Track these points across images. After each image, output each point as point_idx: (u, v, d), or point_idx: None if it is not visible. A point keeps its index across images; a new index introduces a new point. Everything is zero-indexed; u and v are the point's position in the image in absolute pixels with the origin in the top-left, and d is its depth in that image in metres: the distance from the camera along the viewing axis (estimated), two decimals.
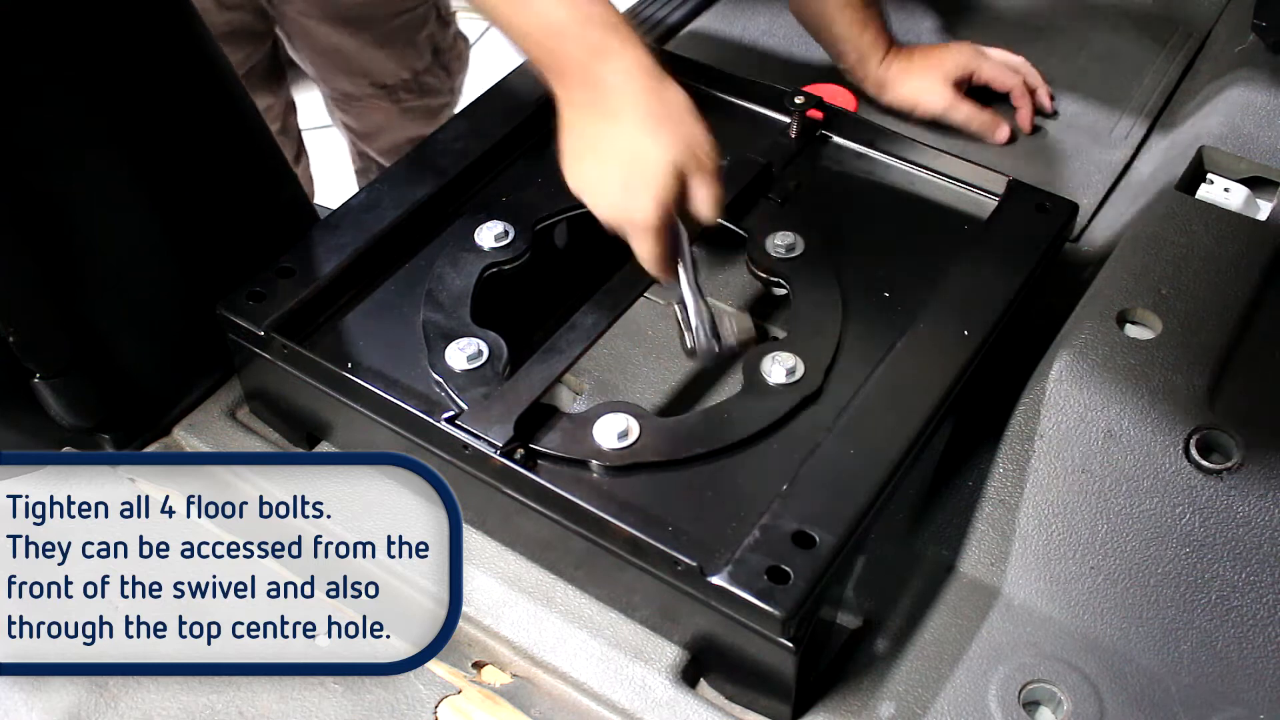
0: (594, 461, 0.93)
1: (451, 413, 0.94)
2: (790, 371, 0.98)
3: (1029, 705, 0.93)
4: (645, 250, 0.93)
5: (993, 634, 0.97)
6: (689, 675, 0.93)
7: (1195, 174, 1.27)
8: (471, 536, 1.00)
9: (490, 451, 0.91)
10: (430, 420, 0.93)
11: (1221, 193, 1.25)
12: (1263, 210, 1.24)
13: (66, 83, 0.94)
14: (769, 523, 0.87)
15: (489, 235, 1.09)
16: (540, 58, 0.95)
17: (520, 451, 0.92)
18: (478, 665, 0.95)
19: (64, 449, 1.06)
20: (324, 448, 1.08)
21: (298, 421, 1.08)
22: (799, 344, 1.00)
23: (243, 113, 1.11)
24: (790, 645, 0.84)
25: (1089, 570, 0.98)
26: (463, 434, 0.92)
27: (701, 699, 0.91)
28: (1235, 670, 0.93)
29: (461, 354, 0.98)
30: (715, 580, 0.84)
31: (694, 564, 0.84)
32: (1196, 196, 1.21)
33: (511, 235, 1.09)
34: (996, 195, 1.14)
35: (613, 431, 0.93)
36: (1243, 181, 1.26)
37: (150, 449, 1.08)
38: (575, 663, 0.93)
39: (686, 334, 0.97)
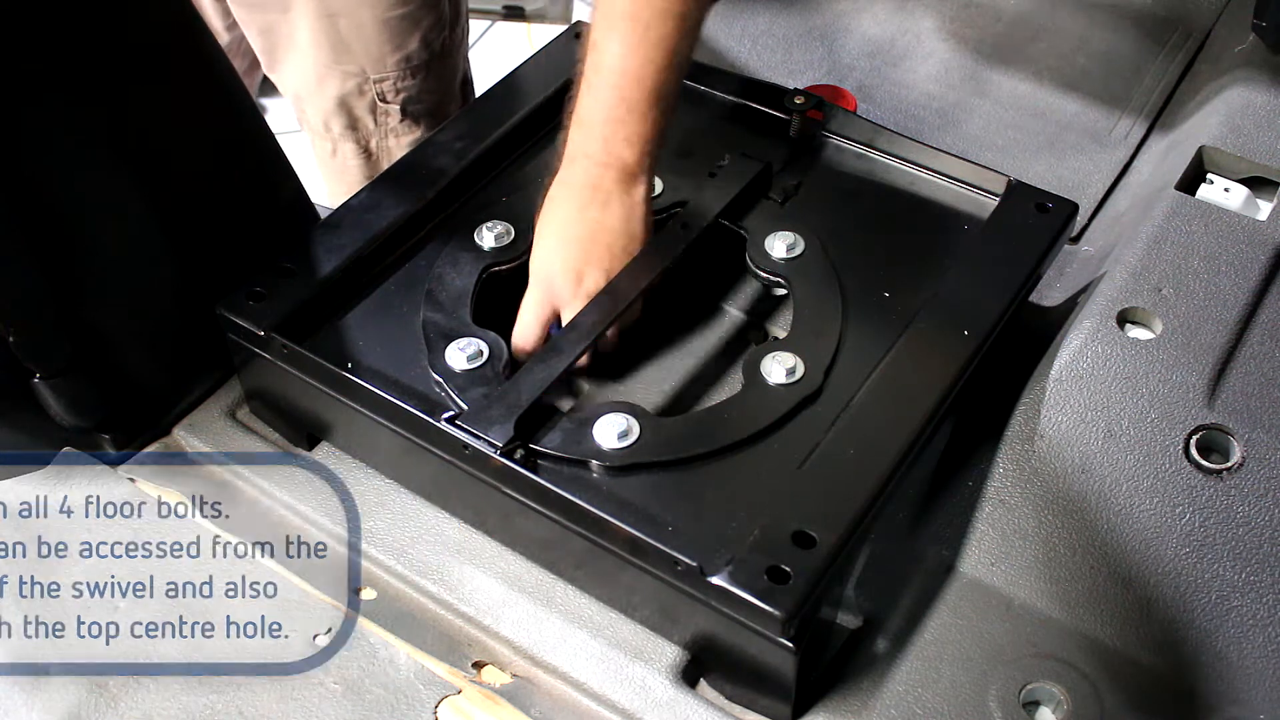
0: (594, 461, 0.93)
1: (451, 413, 0.94)
2: (790, 371, 0.98)
3: (1029, 705, 0.93)
4: (531, 313, 1.03)
5: (993, 634, 0.97)
6: (689, 675, 0.93)
7: (1195, 174, 1.26)
8: (471, 536, 1.00)
9: (490, 451, 0.91)
10: (430, 420, 0.93)
11: (1221, 193, 1.25)
12: (1263, 210, 1.23)
13: (67, 82, 0.94)
14: (769, 523, 0.86)
15: (489, 235, 1.09)
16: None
17: (520, 451, 0.92)
18: (478, 665, 0.95)
19: (64, 449, 1.06)
20: (324, 448, 1.08)
21: (298, 421, 1.08)
22: (799, 344, 1.00)
23: (243, 113, 1.11)
24: (790, 645, 0.84)
25: (1089, 570, 0.97)
26: (463, 434, 0.92)
27: (701, 699, 0.91)
28: (1235, 670, 0.93)
29: (461, 354, 0.98)
30: (715, 580, 0.84)
31: (694, 564, 0.84)
32: (1196, 196, 1.21)
33: (511, 235, 1.09)
34: (996, 195, 1.14)
35: (613, 431, 0.93)
36: (1243, 181, 1.26)
37: (150, 449, 1.08)
38: (575, 663, 0.93)
39: None
